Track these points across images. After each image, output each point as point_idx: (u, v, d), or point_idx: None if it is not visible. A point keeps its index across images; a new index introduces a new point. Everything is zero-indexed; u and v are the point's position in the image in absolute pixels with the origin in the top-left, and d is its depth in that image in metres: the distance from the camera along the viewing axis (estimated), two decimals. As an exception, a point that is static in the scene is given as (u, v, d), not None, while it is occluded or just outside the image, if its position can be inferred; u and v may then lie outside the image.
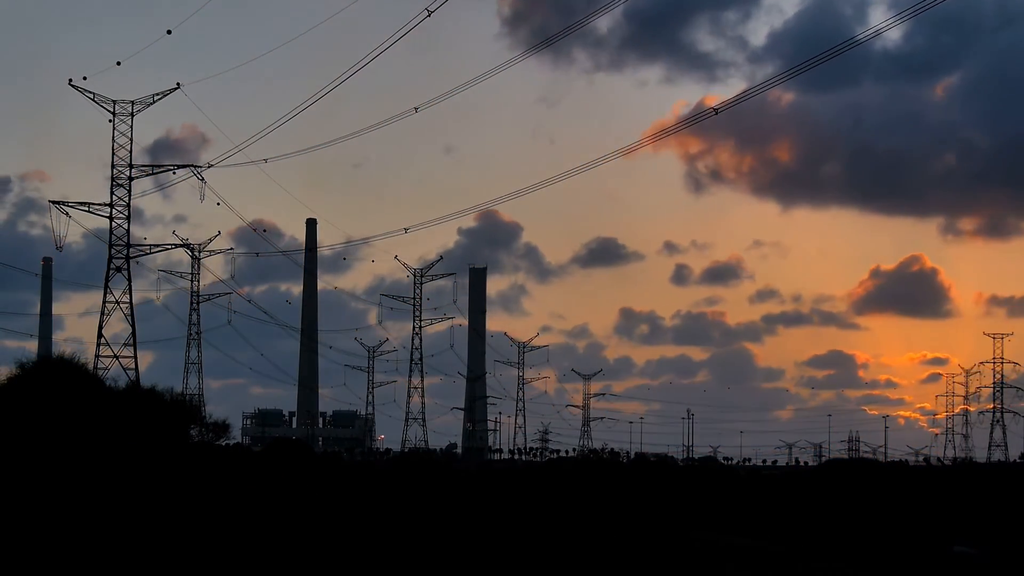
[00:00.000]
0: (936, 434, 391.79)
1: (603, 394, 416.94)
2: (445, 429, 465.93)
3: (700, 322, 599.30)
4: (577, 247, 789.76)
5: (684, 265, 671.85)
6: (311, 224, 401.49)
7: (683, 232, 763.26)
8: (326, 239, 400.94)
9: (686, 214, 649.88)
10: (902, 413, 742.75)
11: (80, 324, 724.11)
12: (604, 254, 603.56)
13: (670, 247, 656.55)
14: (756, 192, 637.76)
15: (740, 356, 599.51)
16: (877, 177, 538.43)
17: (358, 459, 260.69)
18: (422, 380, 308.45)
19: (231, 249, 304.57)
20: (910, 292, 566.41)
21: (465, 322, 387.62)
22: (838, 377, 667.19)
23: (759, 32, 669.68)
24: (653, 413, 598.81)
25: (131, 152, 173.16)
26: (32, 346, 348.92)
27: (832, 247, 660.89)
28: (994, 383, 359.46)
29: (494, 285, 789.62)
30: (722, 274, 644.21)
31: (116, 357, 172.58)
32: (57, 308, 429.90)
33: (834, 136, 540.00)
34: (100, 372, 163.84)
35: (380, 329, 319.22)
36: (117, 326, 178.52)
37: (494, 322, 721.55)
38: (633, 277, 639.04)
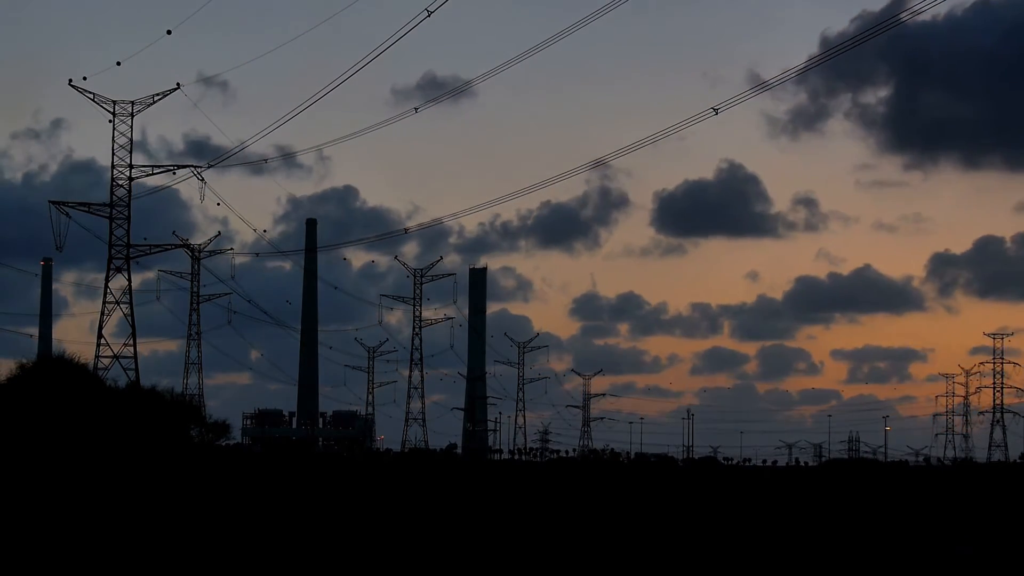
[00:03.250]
0: (958, 425, 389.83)
1: (603, 394, 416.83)
2: (445, 429, 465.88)
3: (747, 312, 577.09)
4: (637, 218, 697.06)
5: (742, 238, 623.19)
6: (311, 224, 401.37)
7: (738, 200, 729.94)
8: (325, 238, 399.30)
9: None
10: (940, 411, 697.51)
11: (80, 324, 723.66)
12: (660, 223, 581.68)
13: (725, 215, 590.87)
14: (839, 143, 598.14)
15: (783, 351, 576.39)
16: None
17: (358, 459, 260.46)
18: (422, 380, 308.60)
19: (231, 249, 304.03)
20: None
21: (465, 314, 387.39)
22: (887, 371, 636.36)
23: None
24: (664, 413, 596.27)
25: (131, 152, 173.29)
26: (34, 333, 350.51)
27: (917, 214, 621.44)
28: (994, 383, 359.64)
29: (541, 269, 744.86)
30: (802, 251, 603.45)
31: (116, 357, 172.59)
32: (57, 308, 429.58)
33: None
34: (100, 372, 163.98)
35: (381, 325, 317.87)
36: (117, 326, 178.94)
37: (522, 309, 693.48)
38: (689, 257, 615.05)
